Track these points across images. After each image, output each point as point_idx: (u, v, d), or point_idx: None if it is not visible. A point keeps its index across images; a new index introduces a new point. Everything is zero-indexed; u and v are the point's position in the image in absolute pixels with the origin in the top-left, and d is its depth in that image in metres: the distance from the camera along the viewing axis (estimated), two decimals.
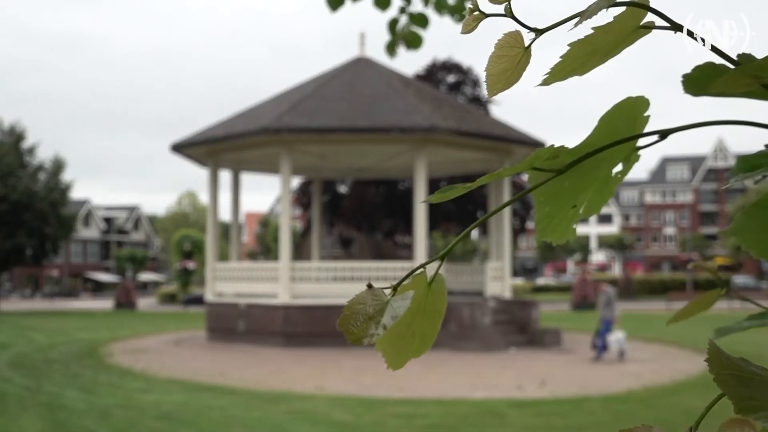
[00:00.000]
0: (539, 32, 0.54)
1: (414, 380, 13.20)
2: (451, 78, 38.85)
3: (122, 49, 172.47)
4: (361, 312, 0.50)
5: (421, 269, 0.55)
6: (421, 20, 4.11)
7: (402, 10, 4.11)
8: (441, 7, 4.09)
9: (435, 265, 0.55)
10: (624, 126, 0.59)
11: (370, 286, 0.52)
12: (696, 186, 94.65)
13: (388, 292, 0.53)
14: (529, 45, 0.56)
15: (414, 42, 4.15)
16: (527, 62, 0.56)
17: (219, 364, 15.62)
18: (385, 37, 4.15)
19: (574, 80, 0.61)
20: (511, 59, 0.55)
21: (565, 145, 0.58)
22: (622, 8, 0.56)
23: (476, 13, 0.53)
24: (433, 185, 27.23)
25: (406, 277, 0.54)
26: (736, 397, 0.51)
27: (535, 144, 21.08)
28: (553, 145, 0.58)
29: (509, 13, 0.53)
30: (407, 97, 20.50)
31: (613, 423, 9.34)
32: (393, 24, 4.12)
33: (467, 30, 0.55)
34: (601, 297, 17.56)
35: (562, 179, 0.59)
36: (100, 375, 14.24)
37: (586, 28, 0.56)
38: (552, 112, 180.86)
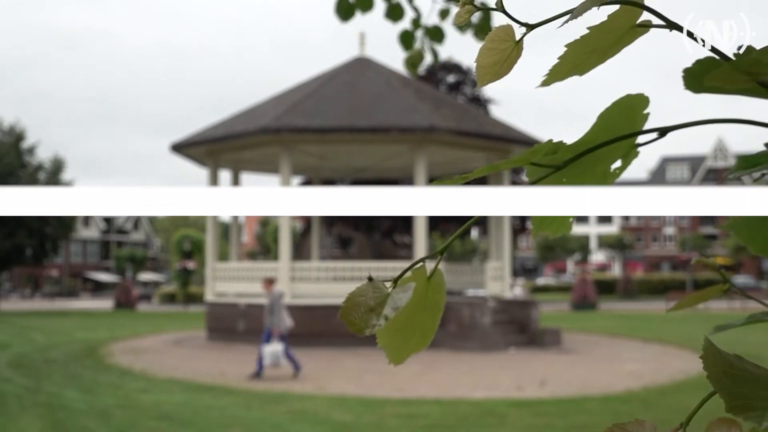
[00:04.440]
0: (530, 27, 0.54)
1: (414, 380, 13.20)
2: (451, 78, 38.86)
3: (122, 47, 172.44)
4: (362, 303, 0.51)
5: (421, 263, 0.55)
6: (437, 34, 3.70)
7: (416, 23, 3.71)
8: (465, 26, 3.88)
9: (434, 260, 0.55)
10: (623, 123, 0.58)
11: (370, 278, 0.53)
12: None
13: (388, 285, 0.54)
14: (520, 39, 0.56)
15: (434, 58, 3.82)
16: (518, 56, 0.56)
17: (219, 364, 15.62)
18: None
19: (582, 79, 0.61)
20: (502, 52, 0.56)
21: (564, 141, 0.58)
22: (617, 7, 0.56)
23: (468, 6, 0.53)
24: None
25: (407, 270, 0.55)
26: (728, 396, 0.51)
27: (535, 143, 21.06)
28: (551, 140, 0.57)
29: (500, 7, 0.53)
30: (407, 97, 20.49)
31: (613, 423, 9.32)
32: (406, 37, 3.69)
33: (460, 22, 0.55)
34: (268, 300, 14.31)
35: (560, 175, 0.59)
36: (99, 375, 14.23)
37: (584, 28, 0.56)
38: (560, 111, 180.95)
